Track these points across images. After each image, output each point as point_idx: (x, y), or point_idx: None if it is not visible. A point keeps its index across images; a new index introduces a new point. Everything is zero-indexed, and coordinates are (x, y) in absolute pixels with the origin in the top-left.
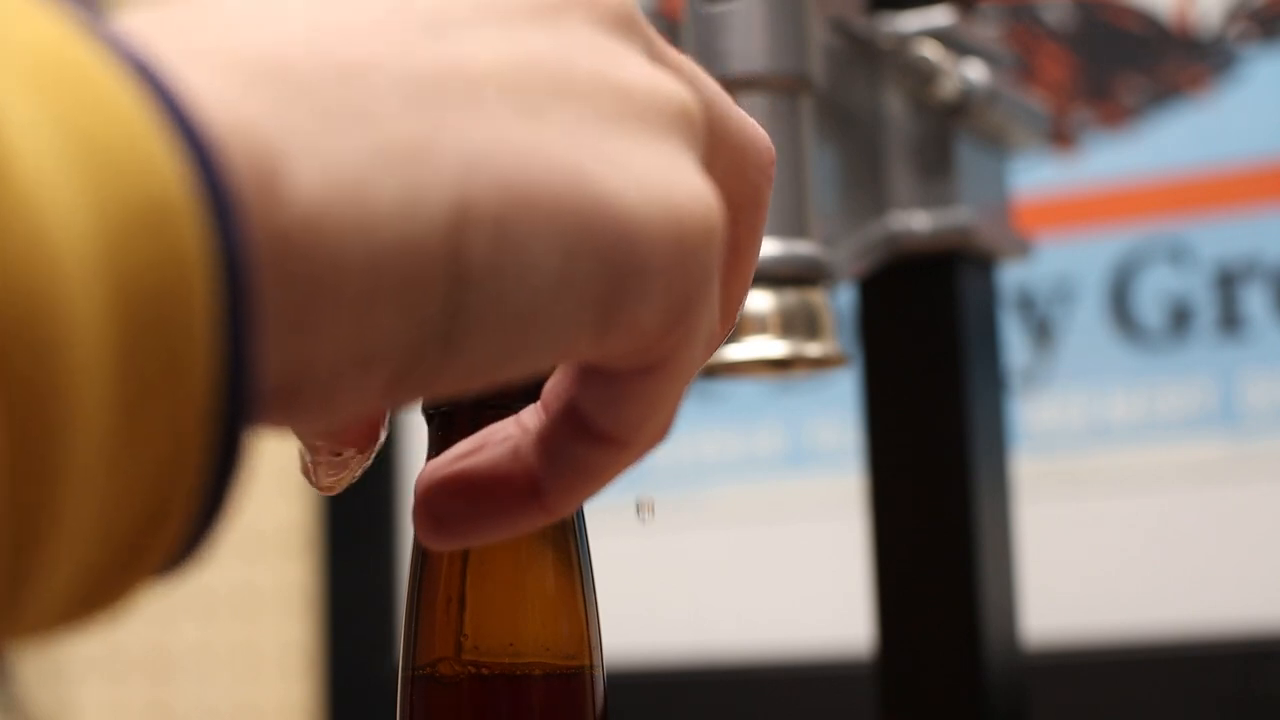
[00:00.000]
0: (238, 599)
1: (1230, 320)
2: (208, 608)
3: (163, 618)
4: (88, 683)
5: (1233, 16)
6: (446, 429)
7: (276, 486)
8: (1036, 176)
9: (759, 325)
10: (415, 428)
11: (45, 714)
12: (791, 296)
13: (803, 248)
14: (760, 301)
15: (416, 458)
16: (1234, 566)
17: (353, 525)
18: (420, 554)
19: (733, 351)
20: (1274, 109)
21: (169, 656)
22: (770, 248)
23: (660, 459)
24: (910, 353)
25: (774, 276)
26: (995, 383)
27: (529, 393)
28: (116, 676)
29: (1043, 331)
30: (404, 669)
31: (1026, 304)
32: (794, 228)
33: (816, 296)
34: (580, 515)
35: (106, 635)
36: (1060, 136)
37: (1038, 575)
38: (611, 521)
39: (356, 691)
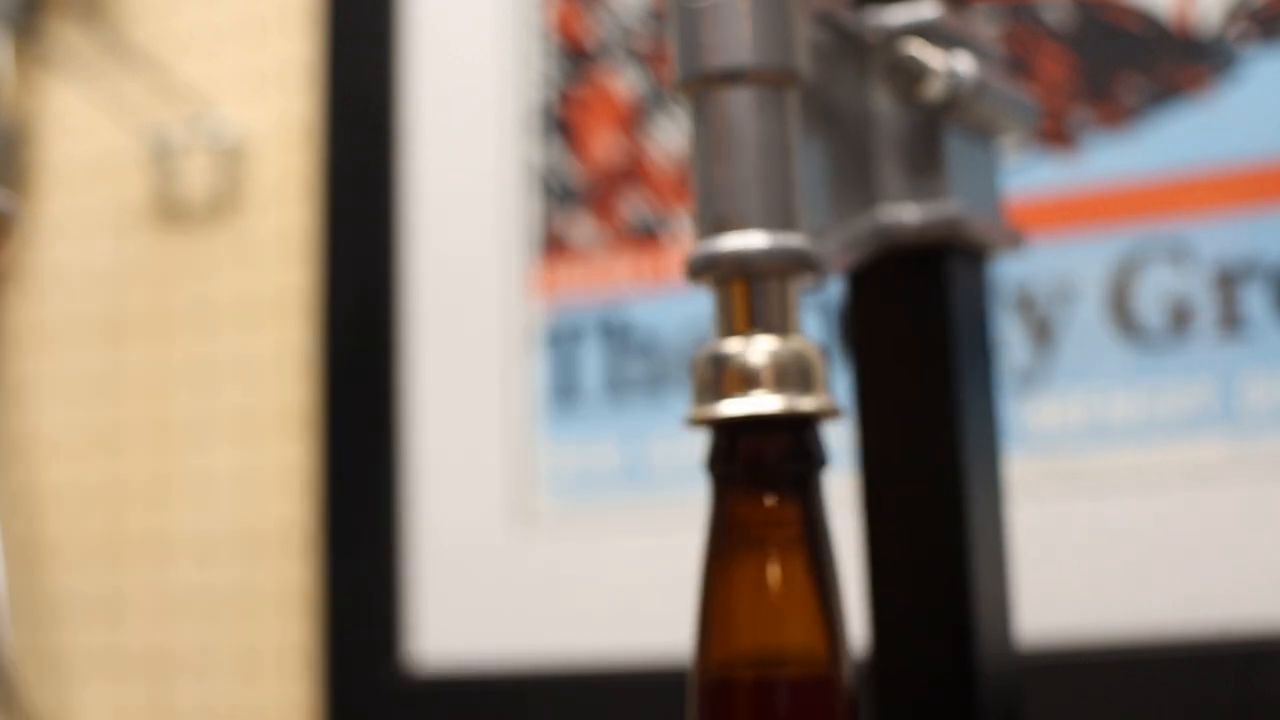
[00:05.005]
0: (238, 599)
1: (1230, 320)
2: (208, 608)
3: (163, 618)
4: (88, 683)
5: (1233, 16)
6: (721, 495)
7: (276, 486)
8: (1035, 176)
9: (753, 380)
10: (417, 429)
11: (45, 714)
12: (784, 349)
13: (791, 241)
14: (754, 355)
15: (417, 459)
16: (1234, 566)
17: (353, 525)
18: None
19: (726, 408)
20: (1274, 109)
21: (169, 656)
22: (758, 241)
23: (658, 460)
24: (900, 346)
25: (762, 270)
26: (987, 375)
27: (798, 457)
28: (116, 676)
29: (1042, 331)
30: (699, 672)
31: (1026, 304)
32: (782, 221)
33: (809, 349)
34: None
35: (106, 635)
36: (1059, 136)
37: (1036, 575)
38: (603, 524)
39: (356, 691)
